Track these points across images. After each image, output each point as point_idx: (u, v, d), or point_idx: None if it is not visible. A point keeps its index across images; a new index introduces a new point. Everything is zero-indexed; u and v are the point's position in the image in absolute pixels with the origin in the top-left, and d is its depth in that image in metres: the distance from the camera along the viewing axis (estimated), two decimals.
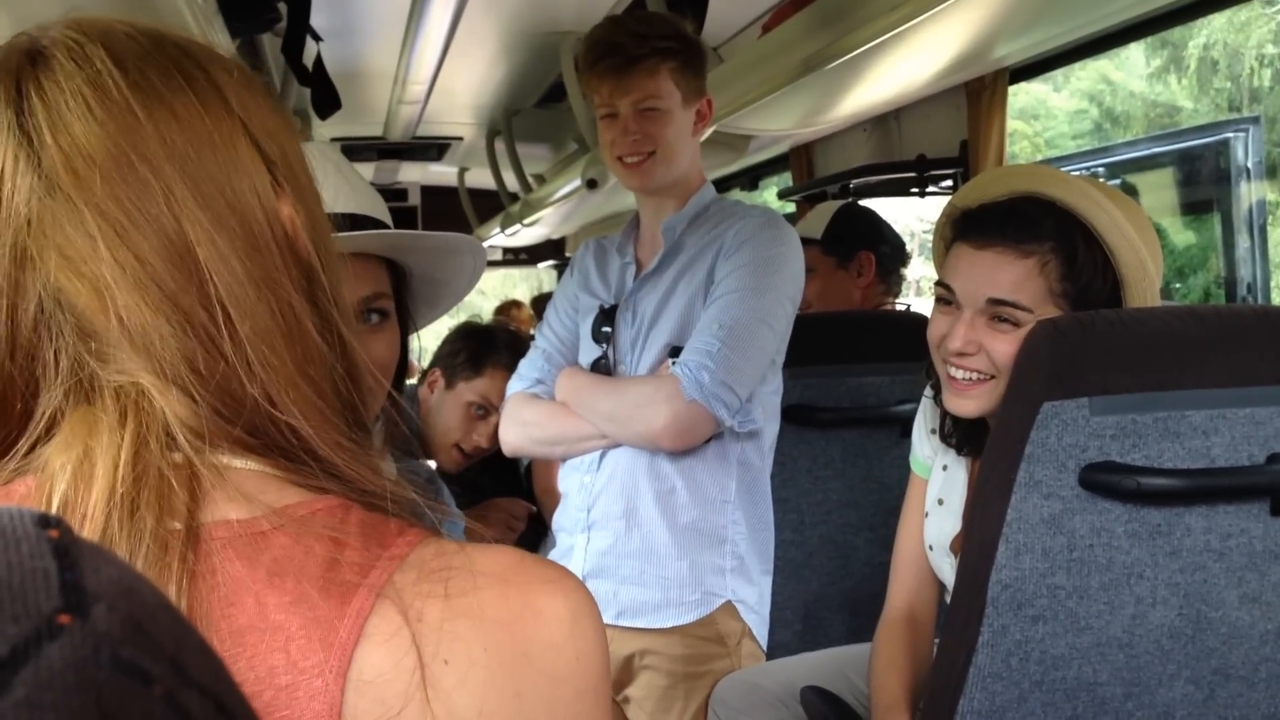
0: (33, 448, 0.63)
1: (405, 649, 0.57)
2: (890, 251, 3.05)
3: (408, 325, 1.30)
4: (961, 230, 1.60)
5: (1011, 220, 1.54)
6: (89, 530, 0.57)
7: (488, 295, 13.08)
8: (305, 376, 0.65)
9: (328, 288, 0.68)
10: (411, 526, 0.63)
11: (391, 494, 0.65)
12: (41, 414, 0.63)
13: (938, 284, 1.63)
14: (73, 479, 0.59)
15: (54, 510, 0.58)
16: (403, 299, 1.29)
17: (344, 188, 1.27)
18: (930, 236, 1.80)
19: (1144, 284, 1.52)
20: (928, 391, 1.77)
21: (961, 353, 1.56)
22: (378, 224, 1.26)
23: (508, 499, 2.78)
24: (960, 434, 1.68)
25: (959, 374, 1.57)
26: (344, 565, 0.59)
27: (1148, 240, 1.53)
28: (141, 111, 0.63)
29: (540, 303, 6.66)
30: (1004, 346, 1.52)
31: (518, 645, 0.59)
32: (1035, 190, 1.55)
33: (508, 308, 7.66)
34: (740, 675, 2.00)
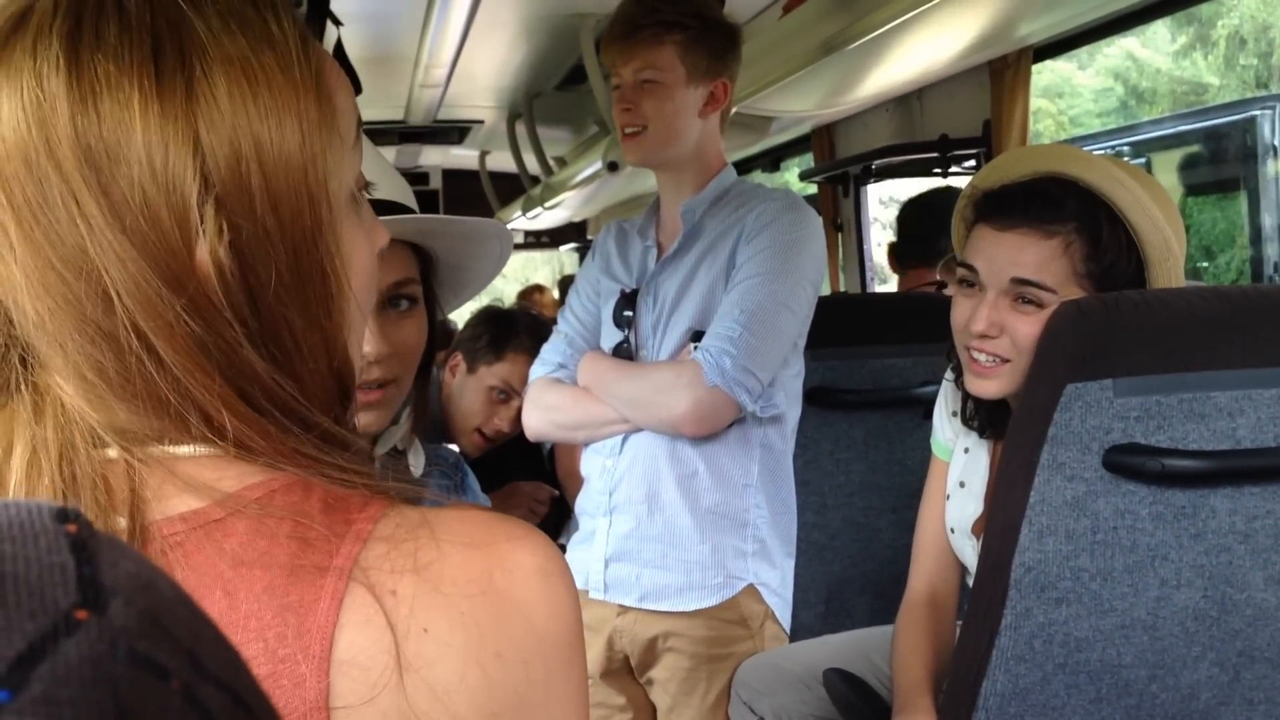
0: None
1: (383, 627, 0.56)
2: None
3: (435, 311, 1.31)
4: (983, 211, 1.59)
5: (1035, 201, 1.53)
6: None
7: (509, 279, 13.10)
8: (238, 395, 0.61)
9: (281, 304, 0.62)
10: (373, 498, 0.61)
11: (352, 470, 0.62)
12: None
13: (960, 265, 1.62)
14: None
15: None
16: (430, 285, 1.29)
17: (373, 174, 1.27)
18: None
19: (1168, 264, 1.51)
20: (948, 374, 1.76)
21: (985, 335, 1.55)
22: (406, 211, 1.27)
23: (531, 483, 2.79)
24: (982, 416, 1.68)
25: (981, 357, 1.56)
26: (310, 548, 0.57)
27: (1171, 220, 1.52)
28: (68, 107, 0.57)
29: (566, 286, 6.66)
30: (1027, 328, 1.51)
31: (492, 606, 0.59)
32: (1058, 170, 1.54)
33: (530, 292, 7.65)
34: (763, 657, 2.00)
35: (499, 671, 0.58)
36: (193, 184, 0.58)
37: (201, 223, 0.58)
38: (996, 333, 1.54)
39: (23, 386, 0.60)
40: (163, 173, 0.58)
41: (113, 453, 0.59)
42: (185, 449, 0.61)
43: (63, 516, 0.31)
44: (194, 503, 0.59)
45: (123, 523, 0.57)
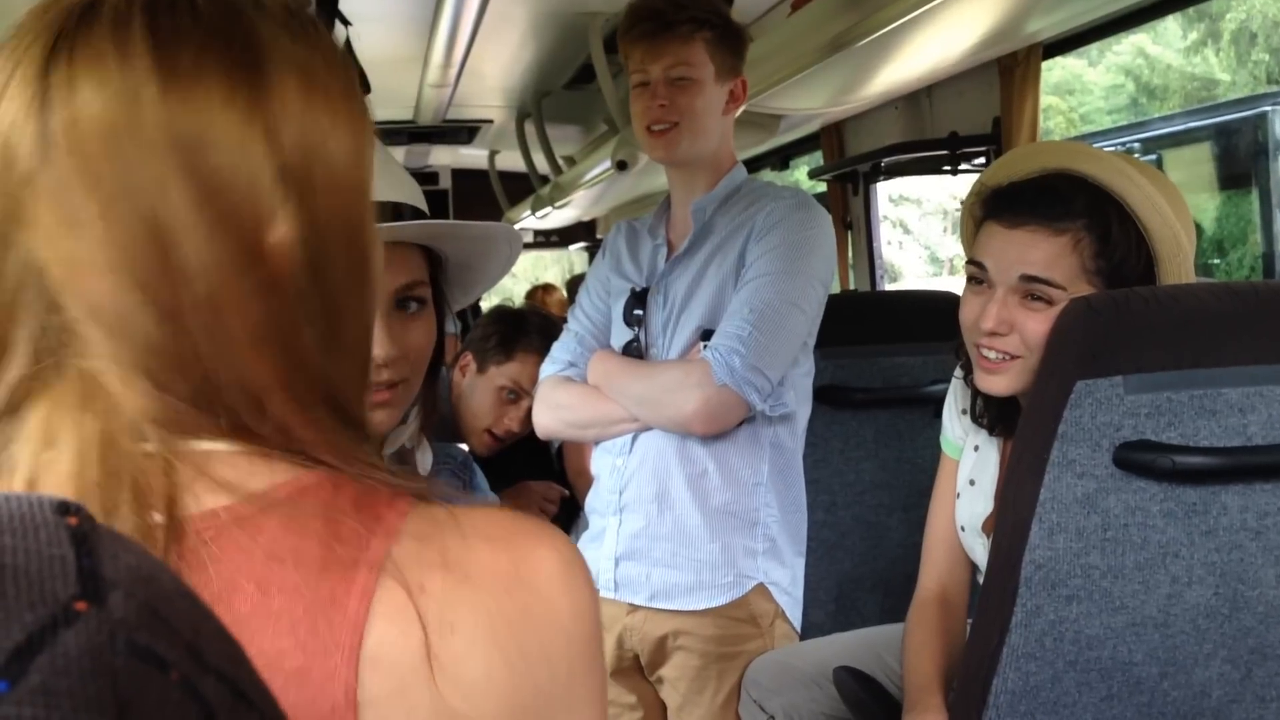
0: None
1: (412, 619, 0.57)
2: None
3: (444, 311, 1.31)
4: (992, 208, 1.59)
5: (1043, 197, 1.52)
6: None
7: (519, 278, 13.12)
8: (290, 382, 0.63)
9: (336, 320, 0.65)
10: (399, 494, 0.62)
11: (380, 467, 0.63)
12: (4, 383, 0.60)
13: (969, 263, 1.61)
14: (37, 475, 0.58)
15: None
16: (439, 285, 1.30)
17: (384, 176, 1.27)
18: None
19: (1178, 260, 1.51)
20: (958, 372, 1.76)
21: (994, 333, 1.54)
22: (418, 213, 1.27)
23: (540, 482, 2.79)
24: (992, 414, 1.67)
25: (990, 353, 1.56)
26: (342, 543, 0.58)
27: (1181, 216, 1.51)
28: (157, 90, 0.60)
29: (575, 285, 6.66)
30: (1036, 325, 1.50)
31: (516, 603, 0.59)
32: (1067, 167, 1.53)
33: (536, 292, 7.64)
34: (773, 655, 2.00)
35: (524, 669, 0.59)
36: (268, 172, 0.62)
37: (274, 210, 0.62)
38: (1006, 330, 1.54)
39: (67, 373, 0.60)
40: (243, 160, 0.61)
41: (149, 446, 0.59)
42: (218, 445, 0.61)
43: (64, 509, 0.31)
44: (224, 499, 0.59)
45: (158, 518, 0.57)
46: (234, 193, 0.61)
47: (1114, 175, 1.50)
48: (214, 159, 0.60)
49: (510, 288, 11.75)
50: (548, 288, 7.80)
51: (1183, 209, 1.53)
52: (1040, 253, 1.51)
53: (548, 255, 13.25)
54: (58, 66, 0.60)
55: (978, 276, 1.59)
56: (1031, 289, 1.52)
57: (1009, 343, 1.54)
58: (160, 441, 0.59)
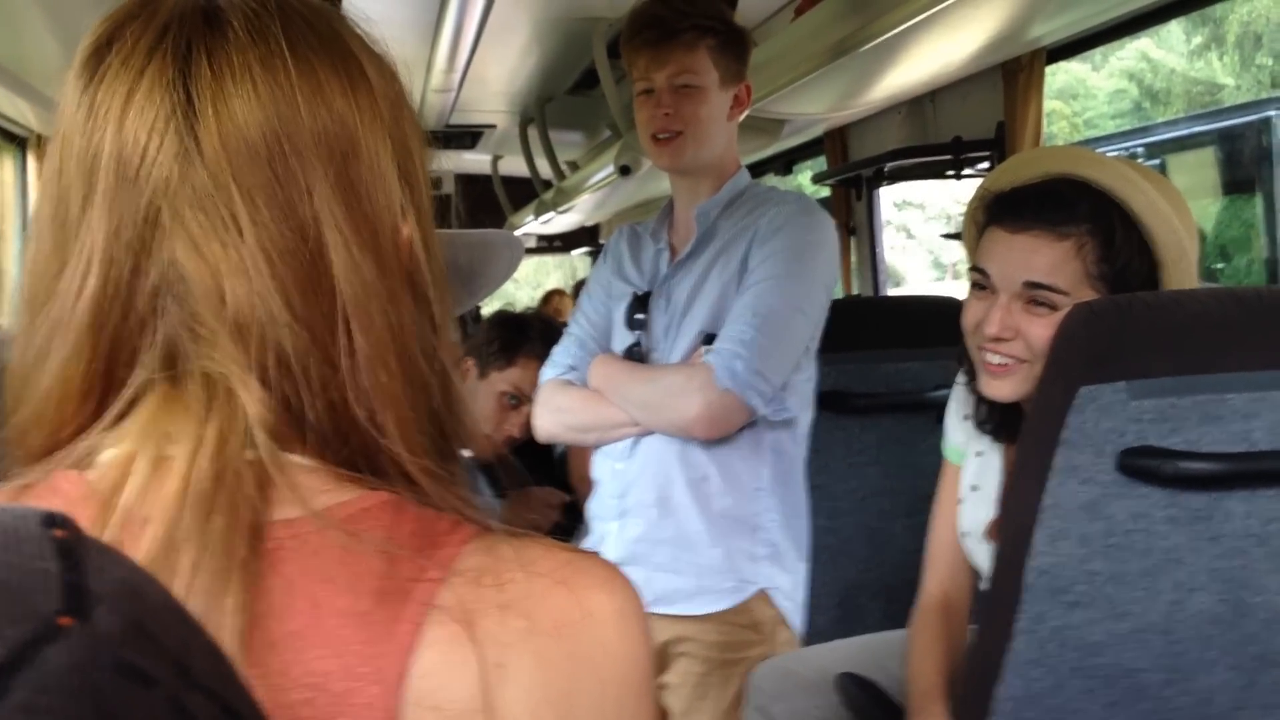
0: (115, 421, 0.62)
1: (462, 656, 0.56)
2: None
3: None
4: (995, 214, 1.58)
5: (1046, 202, 1.52)
6: (156, 527, 0.56)
7: (521, 283, 13.13)
8: (409, 400, 0.64)
9: (435, 314, 0.68)
10: (462, 523, 0.62)
11: (451, 502, 0.64)
12: (130, 387, 0.62)
13: (972, 269, 1.61)
14: (150, 472, 0.59)
15: (120, 508, 0.58)
16: None
17: None
18: None
19: (1182, 265, 1.50)
20: (960, 378, 1.75)
21: (998, 338, 1.54)
22: None
23: (543, 488, 2.78)
24: (995, 420, 1.67)
25: (994, 359, 1.55)
26: (398, 569, 0.58)
27: (1184, 220, 1.51)
28: (304, 103, 0.62)
29: (580, 291, 6.65)
30: (1040, 330, 1.50)
31: (567, 646, 0.59)
32: (1070, 171, 1.53)
33: (550, 297, 7.64)
34: (776, 662, 2.00)
35: (568, 714, 0.58)
36: (394, 173, 0.66)
37: (404, 210, 0.66)
38: (1010, 335, 1.53)
39: (191, 375, 0.61)
40: (379, 165, 0.65)
41: (251, 455, 0.60)
42: (299, 459, 0.62)
43: (50, 522, 0.31)
44: (293, 512, 0.60)
45: (244, 527, 0.58)
46: (376, 198, 0.64)
47: (1117, 180, 1.50)
48: (357, 166, 0.63)
49: (512, 293, 11.76)
50: (559, 293, 7.82)
51: (1186, 213, 1.53)
52: (1043, 258, 1.51)
53: (550, 260, 13.26)
54: (198, 76, 0.61)
55: (981, 282, 1.59)
56: (1035, 295, 1.52)
57: (1013, 348, 1.54)
58: (263, 449, 0.60)
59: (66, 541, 0.30)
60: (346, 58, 0.65)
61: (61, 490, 0.61)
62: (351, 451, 0.63)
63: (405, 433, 0.63)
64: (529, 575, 0.59)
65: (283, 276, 0.61)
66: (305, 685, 0.55)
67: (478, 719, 0.56)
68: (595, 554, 0.65)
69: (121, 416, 0.62)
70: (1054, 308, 1.50)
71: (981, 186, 1.65)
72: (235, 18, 0.63)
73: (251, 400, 0.60)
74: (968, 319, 1.60)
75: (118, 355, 0.62)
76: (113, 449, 0.61)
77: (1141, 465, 1.32)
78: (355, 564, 0.58)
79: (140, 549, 0.55)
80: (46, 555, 0.29)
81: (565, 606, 0.59)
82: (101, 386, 0.63)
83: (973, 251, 1.65)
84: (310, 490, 0.61)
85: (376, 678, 0.55)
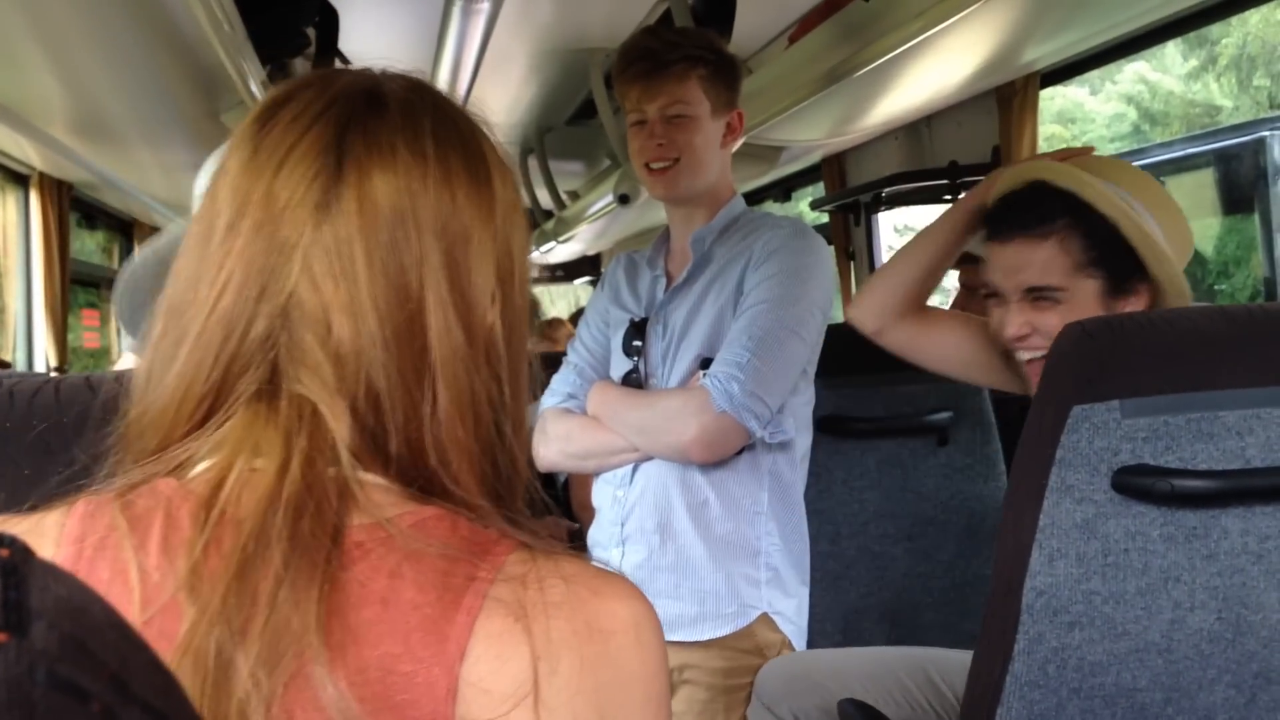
0: (217, 427, 0.71)
1: (513, 648, 0.65)
2: None
3: None
4: (988, 230, 1.72)
5: (1018, 208, 1.66)
6: (251, 525, 0.65)
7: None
8: (477, 452, 0.73)
9: (507, 390, 0.76)
10: (505, 535, 0.70)
11: (498, 524, 0.72)
12: (237, 400, 0.71)
13: (962, 284, 1.71)
14: (244, 479, 0.67)
15: (216, 507, 0.67)
16: None
17: None
18: None
19: (1151, 247, 1.58)
20: None
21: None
22: None
23: (550, 518, 2.78)
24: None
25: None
26: (455, 568, 0.66)
27: (1158, 208, 1.61)
28: (434, 188, 0.72)
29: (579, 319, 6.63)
30: (1054, 321, 1.62)
31: (598, 647, 0.66)
32: (1031, 177, 1.67)
33: (543, 327, 7.63)
34: (781, 662, 2.00)
35: (600, 713, 0.66)
36: (492, 267, 0.75)
37: (495, 298, 0.75)
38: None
39: (284, 395, 0.71)
40: (482, 256, 0.74)
41: (333, 471, 0.69)
42: (374, 478, 0.71)
43: None
44: (366, 519, 0.68)
45: (328, 532, 0.66)
46: (475, 281, 0.74)
47: (1066, 178, 1.62)
48: (465, 251, 0.73)
49: None
50: (557, 322, 7.80)
51: (1160, 200, 1.63)
52: (1032, 262, 1.63)
53: (554, 290, 13.26)
54: (351, 147, 0.72)
55: (995, 291, 1.72)
56: (1037, 295, 1.64)
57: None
58: (346, 466, 0.69)
59: (10, 561, 0.31)
60: (478, 160, 0.76)
61: (161, 492, 0.70)
62: (420, 479, 0.72)
63: (468, 479, 0.73)
64: (567, 583, 0.68)
65: (385, 323, 0.70)
66: (378, 666, 0.64)
67: (525, 704, 0.64)
68: (618, 572, 0.73)
69: (219, 426, 0.71)
70: (1059, 301, 1.63)
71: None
72: (394, 103, 0.75)
73: (339, 423, 0.70)
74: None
75: (233, 369, 0.71)
76: (207, 459, 0.70)
77: (1136, 484, 1.32)
78: (419, 563, 0.66)
79: (236, 545, 0.65)
80: None
81: (601, 613, 0.68)
82: (213, 396, 0.72)
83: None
84: (381, 504, 0.69)
85: (437, 660, 0.64)
